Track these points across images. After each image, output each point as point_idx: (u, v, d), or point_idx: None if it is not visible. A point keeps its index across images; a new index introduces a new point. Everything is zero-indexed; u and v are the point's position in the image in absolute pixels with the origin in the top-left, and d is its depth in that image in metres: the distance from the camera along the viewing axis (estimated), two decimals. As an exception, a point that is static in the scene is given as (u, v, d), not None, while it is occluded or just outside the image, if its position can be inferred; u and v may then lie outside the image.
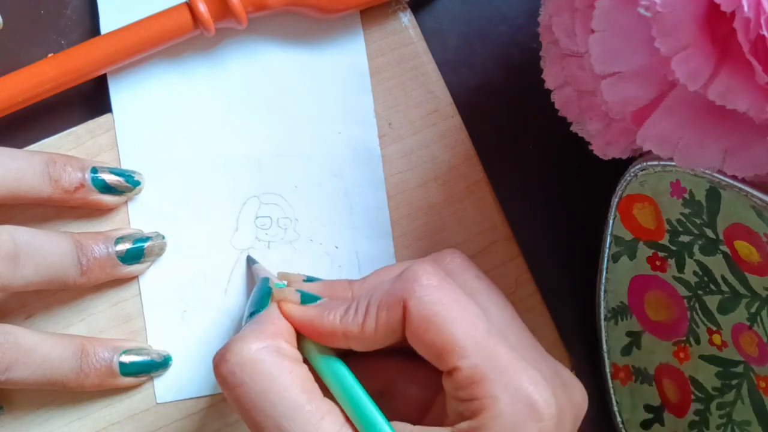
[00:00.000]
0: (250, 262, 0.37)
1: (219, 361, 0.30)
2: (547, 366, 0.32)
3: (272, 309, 0.32)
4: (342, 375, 0.31)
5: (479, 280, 0.34)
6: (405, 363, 0.33)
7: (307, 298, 0.33)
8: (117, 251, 0.36)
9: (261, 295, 0.33)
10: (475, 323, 0.30)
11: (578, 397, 0.32)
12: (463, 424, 0.29)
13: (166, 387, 0.37)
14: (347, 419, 0.30)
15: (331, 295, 0.33)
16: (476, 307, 0.31)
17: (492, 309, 0.32)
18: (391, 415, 0.30)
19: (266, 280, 0.35)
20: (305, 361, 0.31)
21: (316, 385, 0.30)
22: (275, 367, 0.30)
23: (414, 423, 0.30)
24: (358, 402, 0.30)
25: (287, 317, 0.32)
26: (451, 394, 0.30)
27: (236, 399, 0.30)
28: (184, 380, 0.37)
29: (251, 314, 0.33)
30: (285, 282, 0.35)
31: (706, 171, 0.30)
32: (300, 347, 0.32)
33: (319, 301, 0.32)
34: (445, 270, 0.32)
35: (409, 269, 0.31)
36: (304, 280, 0.35)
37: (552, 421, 0.29)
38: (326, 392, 0.31)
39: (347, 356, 0.32)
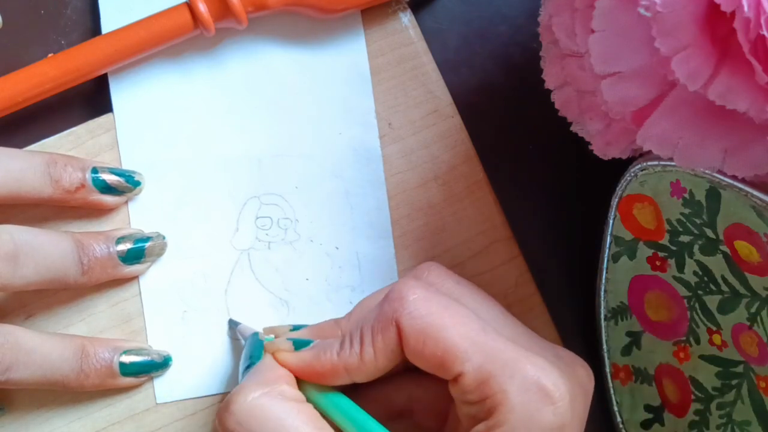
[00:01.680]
0: (233, 324, 0.37)
1: (223, 415, 0.30)
2: (546, 351, 0.32)
3: (267, 359, 0.33)
4: (347, 407, 0.31)
5: (460, 285, 0.34)
6: (417, 379, 0.33)
7: (299, 344, 0.33)
8: (118, 251, 0.36)
9: (253, 347, 0.34)
10: (469, 324, 0.30)
11: (583, 374, 0.32)
12: (479, 427, 0.29)
13: (166, 387, 0.37)
14: None
15: (321, 337, 0.33)
16: (466, 309, 0.31)
17: (480, 309, 0.32)
18: None
19: (255, 334, 0.35)
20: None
21: (325, 422, 0.30)
22: (281, 409, 0.30)
23: None
24: (370, 430, 0.30)
25: (285, 365, 0.32)
26: (461, 400, 0.30)
27: None
28: (184, 380, 0.37)
29: (247, 368, 0.33)
30: (272, 335, 0.35)
31: (706, 171, 0.30)
32: (300, 392, 0.32)
33: (312, 344, 0.33)
34: (425, 283, 0.32)
35: (393, 290, 0.31)
36: (290, 329, 0.35)
37: (564, 401, 0.29)
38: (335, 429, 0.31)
39: (358, 389, 0.32)
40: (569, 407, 0.29)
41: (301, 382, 0.32)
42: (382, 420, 0.31)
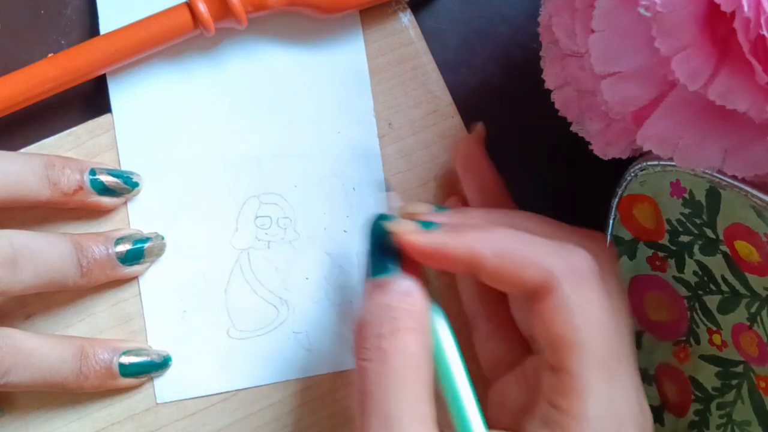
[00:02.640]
0: (388, 188, 0.37)
1: (376, 292, 0.30)
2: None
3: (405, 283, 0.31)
4: (453, 370, 0.30)
5: (618, 293, 0.33)
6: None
7: (426, 226, 0.31)
8: (117, 252, 0.36)
9: (377, 234, 0.32)
10: (610, 341, 0.30)
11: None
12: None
13: (166, 387, 0.37)
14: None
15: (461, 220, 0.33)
16: (615, 323, 0.30)
17: (622, 329, 0.32)
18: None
19: (379, 218, 0.33)
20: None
21: (429, 408, 0.29)
22: (415, 360, 0.29)
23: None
24: (460, 403, 0.30)
25: (412, 248, 0.31)
26: (547, 396, 0.30)
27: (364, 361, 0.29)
28: (184, 380, 0.37)
29: (376, 256, 0.32)
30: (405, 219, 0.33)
31: (706, 171, 0.30)
32: None
33: (439, 227, 0.31)
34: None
35: (579, 254, 0.30)
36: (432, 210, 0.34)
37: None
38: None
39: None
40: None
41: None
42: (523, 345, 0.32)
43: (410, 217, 0.33)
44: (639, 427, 0.30)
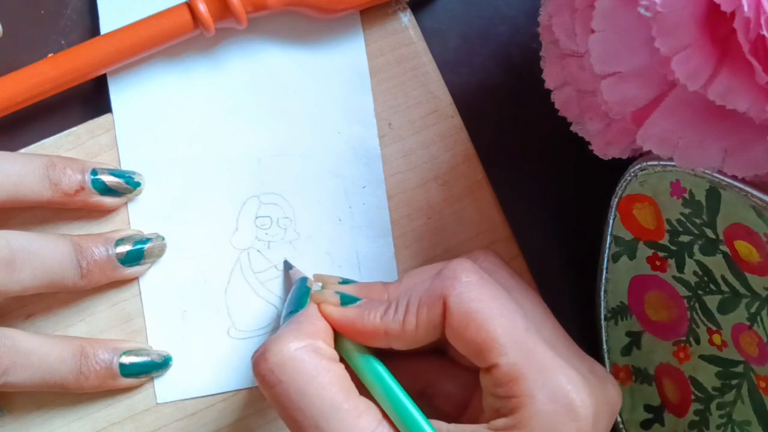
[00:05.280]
0: (287, 267, 0.37)
1: (258, 359, 0.30)
2: (581, 363, 0.32)
3: (311, 309, 0.33)
4: (380, 372, 0.31)
5: (512, 279, 0.34)
6: (442, 363, 0.34)
7: (346, 300, 0.33)
8: (117, 253, 0.36)
9: (299, 294, 0.34)
10: (515, 320, 0.30)
11: (613, 393, 0.32)
12: (500, 421, 0.30)
13: (166, 387, 0.37)
14: (384, 416, 0.30)
15: (368, 296, 0.34)
16: (515, 304, 0.31)
17: (527, 306, 0.32)
18: (430, 415, 0.31)
19: (304, 280, 0.35)
20: (341, 360, 0.32)
21: (353, 384, 0.31)
22: (313, 366, 0.30)
23: (452, 422, 0.31)
24: (397, 398, 0.31)
25: (327, 318, 0.32)
26: (489, 391, 0.30)
27: (275, 397, 0.30)
28: (184, 380, 0.37)
29: (290, 313, 0.33)
30: (320, 284, 0.35)
31: (706, 171, 0.30)
32: (337, 347, 0.32)
33: (358, 302, 0.33)
34: (480, 268, 0.33)
35: (448, 267, 0.32)
36: (339, 282, 0.35)
37: (589, 420, 0.29)
38: (362, 391, 0.31)
39: (386, 359, 0.32)
40: (592, 426, 0.30)
41: (339, 338, 0.32)
42: None
43: (321, 280, 0.35)
44: (578, 373, 0.30)
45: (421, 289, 0.32)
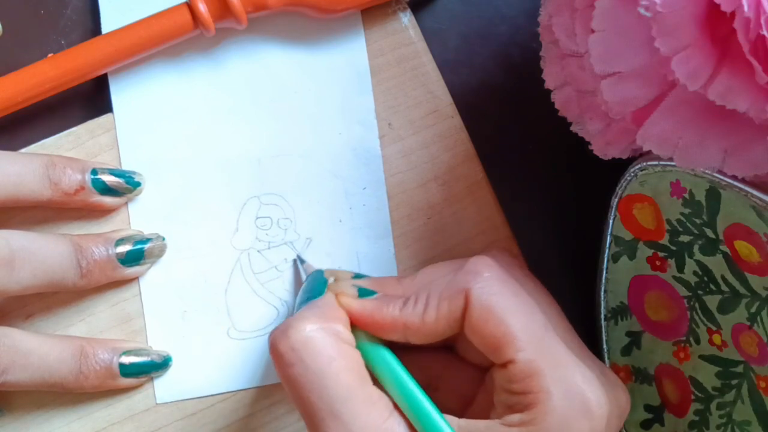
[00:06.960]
0: (300, 261, 0.38)
1: (279, 336, 0.30)
2: (594, 364, 0.32)
3: (328, 298, 0.33)
4: (393, 364, 0.32)
5: (527, 278, 0.34)
6: (449, 358, 0.34)
7: (363, 293, 0.33)
8: (117, 253, 0.36)
9: (316, 284, 0.34)
10: (533, 317, 0.31)
11: (623, 397, 0.32)
12: (514, 417, 0.30)
13: (166, 387, 0.37)
14: (395, 407, 0.30)
15: (382, 290, 0.34)
16: (533, 301, 0.32)
17: (543, 304, 0.33)
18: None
19: (321, 271, 0.35)
20: None
21: (367, 373, 0.31)
22: (333, 349, 0.30)
23: (456, 416, 0.31)
24: (409, 390, 0.31)
25: (346, 309, 0.33)
26: (503, 387, 0.30)
27: (292, 377, 0.30)
28: (184, 380, 0.37)
29: (307, 299, 0.33)
30: (333, 278, 0.35)
31: (706, 171, 0.30)
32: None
33: (375, 295, 0.33)
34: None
35: (471, 262, 0.32)
36: (352, 277, 0.35)
37: (603, 420, 0.30)
38: (374, 381, 0.31)
39: (393, 351, 0.33)
40: (605, 427, 0.30)
41: (353, 329, 0.32)
42: None
43: (333, 275, 0.35)
44: (592, 373, 0.30)
45: (442, 283, 0.32)
